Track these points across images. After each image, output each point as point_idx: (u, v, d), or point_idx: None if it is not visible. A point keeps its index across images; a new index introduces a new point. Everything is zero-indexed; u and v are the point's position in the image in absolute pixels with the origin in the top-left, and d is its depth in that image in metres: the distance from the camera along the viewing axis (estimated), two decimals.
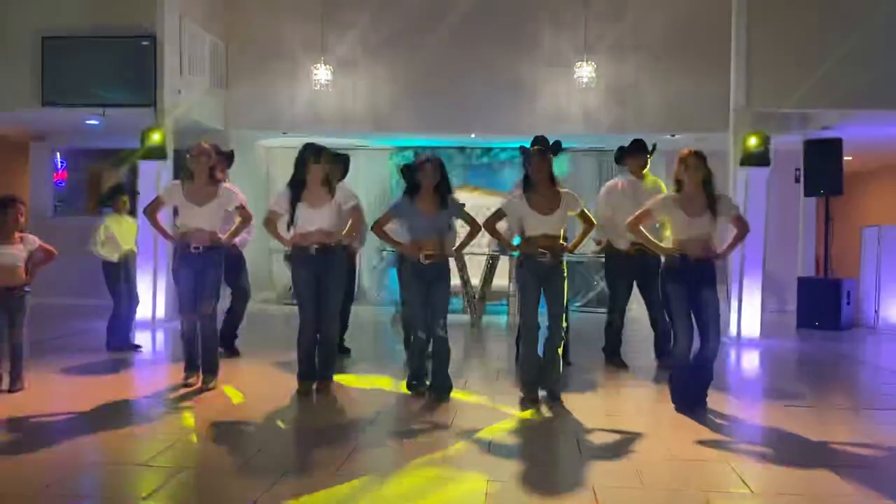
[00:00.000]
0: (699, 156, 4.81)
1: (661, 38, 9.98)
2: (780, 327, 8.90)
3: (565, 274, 5.12)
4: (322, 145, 5.26)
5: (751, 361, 7.23)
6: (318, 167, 5.13)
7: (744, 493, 3.46)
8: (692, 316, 4.84)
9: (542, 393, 5.11)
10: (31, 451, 3.92)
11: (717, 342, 4.89)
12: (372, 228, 5.38)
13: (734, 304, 8.07)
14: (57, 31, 8.64)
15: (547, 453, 3.96)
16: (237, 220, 5.42)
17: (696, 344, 4.88)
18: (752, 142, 7.84)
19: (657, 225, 5.59)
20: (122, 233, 6.77)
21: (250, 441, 4.28)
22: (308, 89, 10.22)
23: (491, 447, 4.08)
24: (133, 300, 6.96)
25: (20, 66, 8.71)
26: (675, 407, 4.92)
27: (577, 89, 9.97)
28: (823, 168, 9.09)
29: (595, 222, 5.37)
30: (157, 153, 8.30)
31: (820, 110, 8.67)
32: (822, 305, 9.14)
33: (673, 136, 10.22)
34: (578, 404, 5.06)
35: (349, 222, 5.34)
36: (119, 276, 6.78)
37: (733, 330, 8.04)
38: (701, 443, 4.26)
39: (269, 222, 5.28)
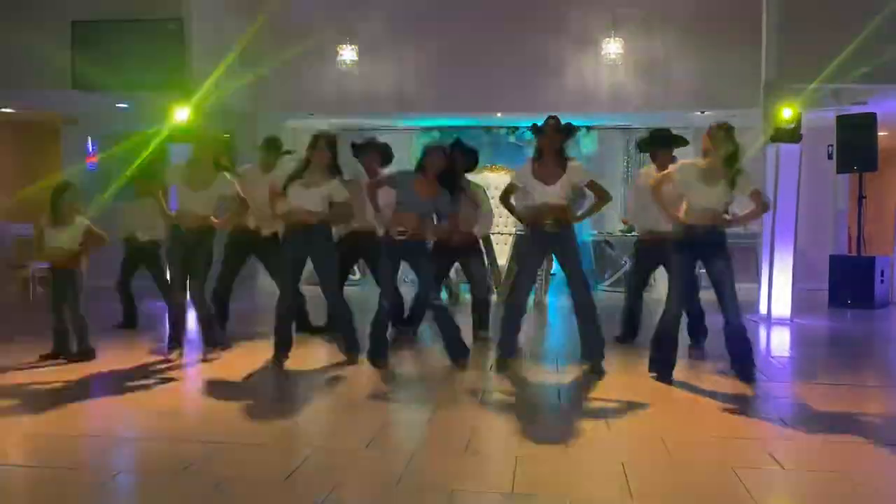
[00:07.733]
0: (725, 129, 4.83)
1: (690, 13, 9.86)
2: (812, 306, 8.79)
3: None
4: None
5: (781, 340, 7.16)
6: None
7: (774, 469, 3.45)
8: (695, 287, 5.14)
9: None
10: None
11: (737, 311, 4.91)
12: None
13: (764, 281, 7.99)
14: (86, 16, 8.76)
15: (574, 430, 3.96)
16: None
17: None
18: (786, 114, 7.62)
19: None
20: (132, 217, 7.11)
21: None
22: (334, 70, 10.25)
23: (511, 419, 4.11)
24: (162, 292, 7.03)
25: (52, 50, 8.84)
26: (652, 375, 5.07)
27: (605, 66, 9.88)
28: (857, 144, 8.96)
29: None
30: (187, 136, 8.39)
31: (853, 85, 8.49)
32: (854, 284, 9.04)
33: (703, 112, 10.10)
34: (607, 382, 5.08)
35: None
36: (127, 258, 7.07)
37: (763, 308, 7.97)
38: (730, 419, 4.25)
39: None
